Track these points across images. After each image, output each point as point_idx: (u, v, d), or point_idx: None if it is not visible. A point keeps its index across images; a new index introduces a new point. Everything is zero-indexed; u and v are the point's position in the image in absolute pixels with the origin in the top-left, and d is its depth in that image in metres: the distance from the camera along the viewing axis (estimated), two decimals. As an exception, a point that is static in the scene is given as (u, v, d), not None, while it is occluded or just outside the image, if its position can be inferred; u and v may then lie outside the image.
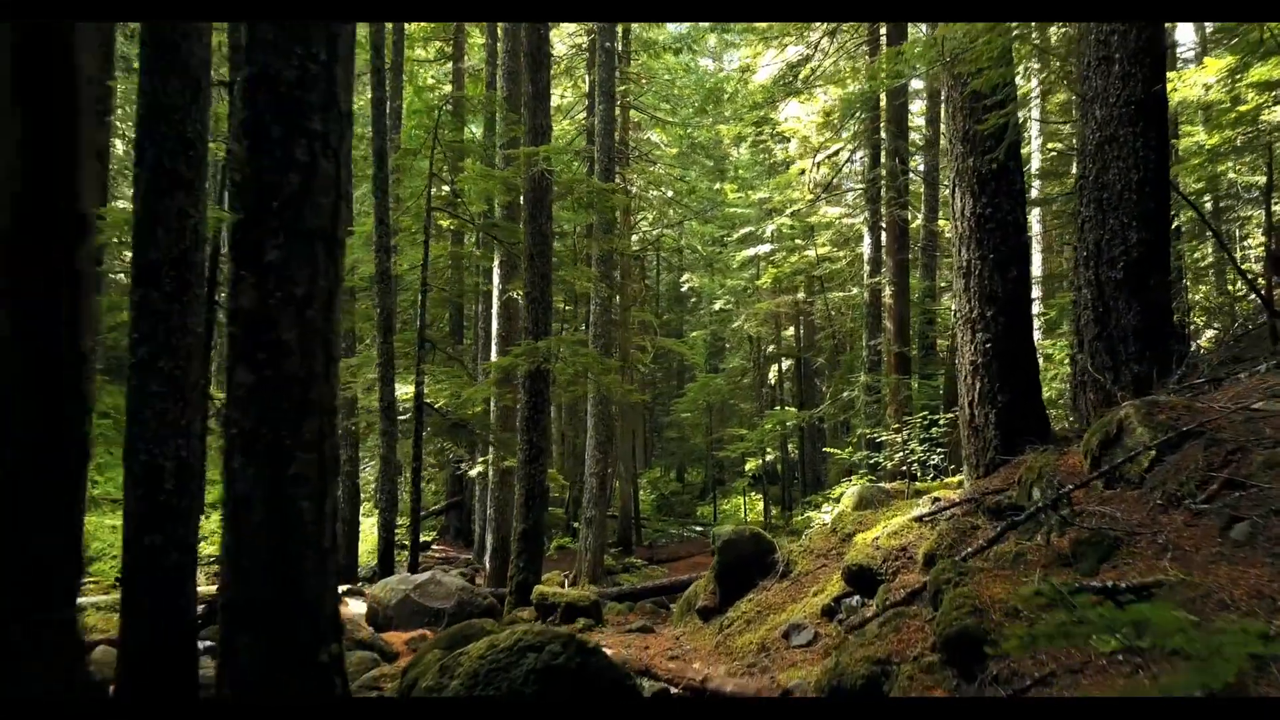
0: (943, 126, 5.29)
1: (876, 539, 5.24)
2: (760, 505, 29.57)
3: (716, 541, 6.78)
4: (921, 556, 4.43)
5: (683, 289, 36.11)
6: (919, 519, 5.03)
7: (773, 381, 29.09)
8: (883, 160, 15.36)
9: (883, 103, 15.95)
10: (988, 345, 5.22)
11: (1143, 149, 7.13)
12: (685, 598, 7.66)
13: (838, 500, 14.02)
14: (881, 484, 11.55)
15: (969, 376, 5.31)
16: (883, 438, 12.36)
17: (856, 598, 4.70)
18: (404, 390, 12.67)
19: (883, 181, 15.05)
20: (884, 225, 15.66)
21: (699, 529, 29.80)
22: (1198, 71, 8.91)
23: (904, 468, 11.53)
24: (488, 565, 14.63)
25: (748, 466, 31.76)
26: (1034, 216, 19.84)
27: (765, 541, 6.70)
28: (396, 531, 12.12)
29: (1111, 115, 7.27)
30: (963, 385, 5.37)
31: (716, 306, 29.61)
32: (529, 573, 9.40)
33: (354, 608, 10.35)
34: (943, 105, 5.52)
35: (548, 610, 7.71)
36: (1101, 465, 4.08)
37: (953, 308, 5.41)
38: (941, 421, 11.23)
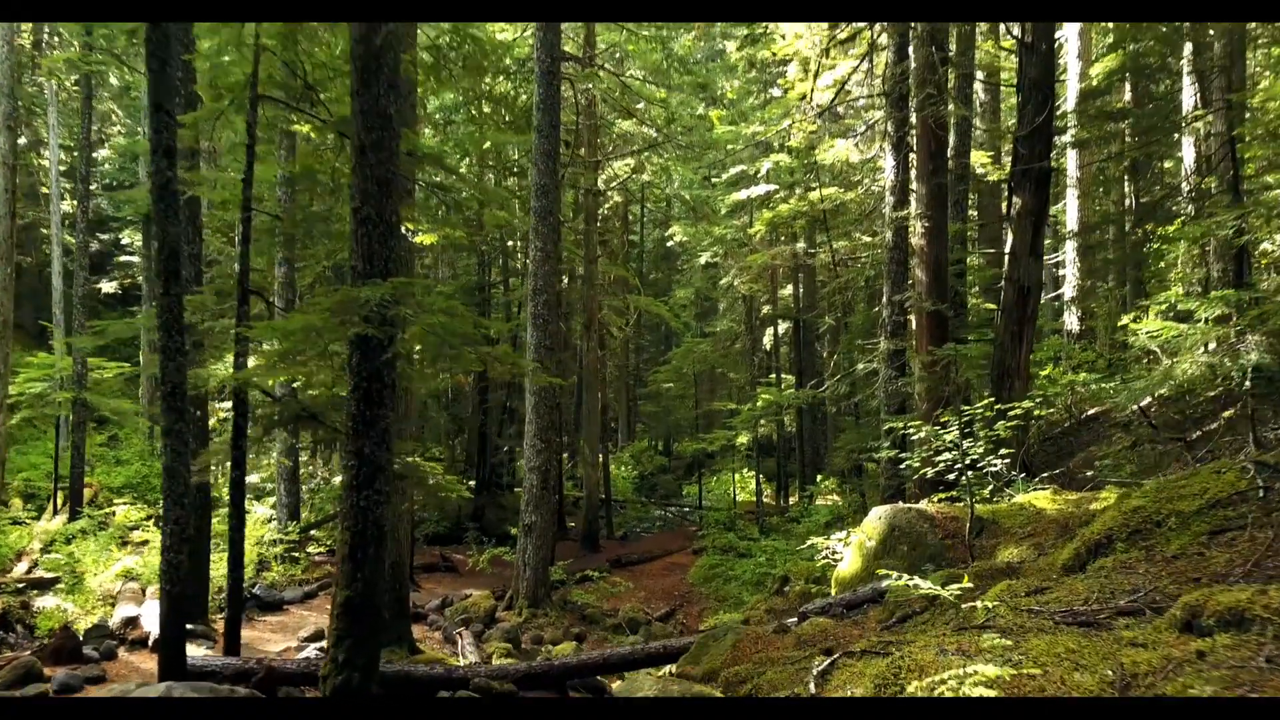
0: None
1: None
2: (753, 484, 25.99)
3: None
4: None
5: (669, 244, 32.23)
6: None
7: (768, 347, 25.30)
8: (912, 50, 11.33)
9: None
10: None
11: None
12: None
13: (853, 520, 10.42)
14: (920, 507, 7.88)
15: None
16: (915, 433, 8.68)
17: None
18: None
19: (912, 78, 11.10)
20: (912, 143, 11.75)
21: (686, 510, 26.39)
22: None
23: (951, 474, 7.80)
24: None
25: (739, 440, 28.24)
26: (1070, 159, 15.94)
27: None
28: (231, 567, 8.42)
29: None
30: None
31: (702, 260, 25.62)
32: (353, 670, 5.73)
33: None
34: None
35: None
36: None
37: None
38: (1013, 414, 7.50)
